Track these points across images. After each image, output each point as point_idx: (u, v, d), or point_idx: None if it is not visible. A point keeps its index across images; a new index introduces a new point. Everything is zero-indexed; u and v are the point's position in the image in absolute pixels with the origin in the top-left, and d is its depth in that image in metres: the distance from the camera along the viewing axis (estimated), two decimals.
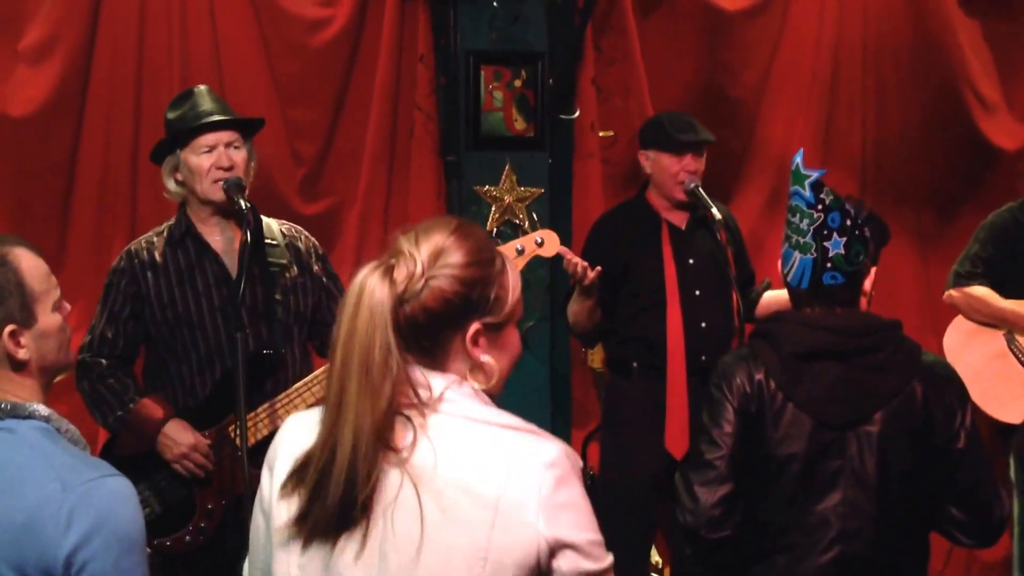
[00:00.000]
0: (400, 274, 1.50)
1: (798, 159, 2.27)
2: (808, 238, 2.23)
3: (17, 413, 1.65)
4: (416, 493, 1.46)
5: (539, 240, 2.97)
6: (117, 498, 1.59)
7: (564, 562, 1.47)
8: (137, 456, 2.86)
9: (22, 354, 1.68)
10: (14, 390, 1.68)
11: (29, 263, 1.70)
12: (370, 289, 1.48)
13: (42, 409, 1.67)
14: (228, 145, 2.91)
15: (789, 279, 2.28)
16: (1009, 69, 4.51)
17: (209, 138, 2.90)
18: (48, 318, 1.71)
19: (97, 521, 1.55)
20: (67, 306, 1.78)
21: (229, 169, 2.89)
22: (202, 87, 3.04)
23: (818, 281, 2.23)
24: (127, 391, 2.93)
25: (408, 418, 1.49)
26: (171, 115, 2.97)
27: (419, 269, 1.50)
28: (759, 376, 2.20)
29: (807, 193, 2.23)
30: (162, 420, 2.87)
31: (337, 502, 1.46)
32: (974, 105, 4.44)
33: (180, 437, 2.86)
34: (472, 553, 1.45)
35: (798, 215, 2.25)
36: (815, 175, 2.24)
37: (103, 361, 2.95)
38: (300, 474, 1.50)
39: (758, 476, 2.20)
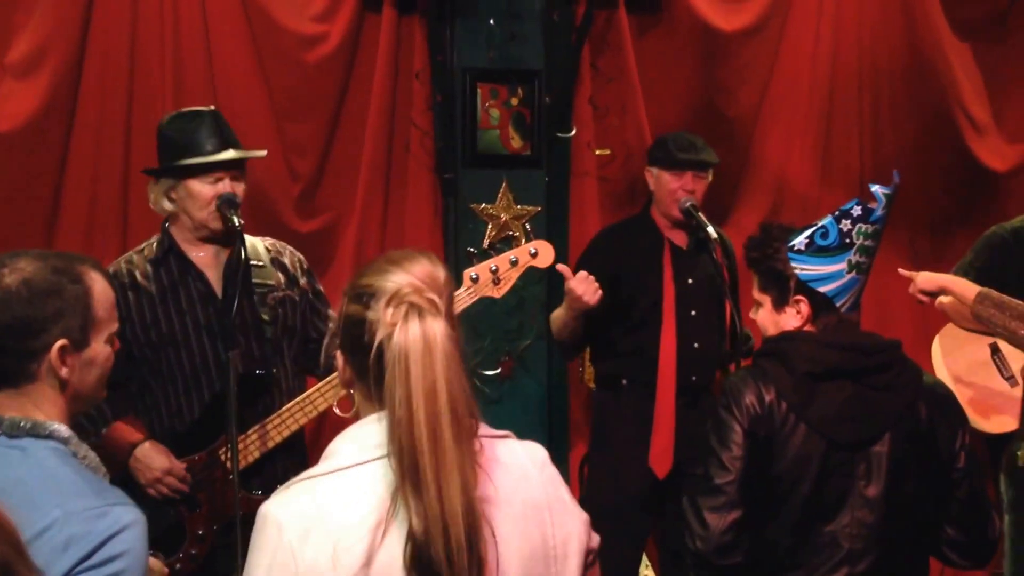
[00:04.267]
0: (441, 311, 1.47)
1: (897, 179, 2.24)
2: (871, 256, 2.24)
3: (36, 432, 1.61)
4: (489, 526, 1.45)
5: (533, 251, 2.92)
6: (120, 528, 1.53)
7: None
8: (122, 482, 2.78)
9: (64, 372, 1.64)
10: (44, 407, 1.64)
11: (100, 287, 1.68)
12: (439, 336, 1.44)
13: (62, 430, 1.63)
14: (233, 178, 2.87)
15: (847, 308, 2.24)
16: (999, 91, 4.56)
17: (218, 172, 2.85)
18: (100, 347, 1.69)
19: (94, 550, 1.49)
20: (117, 342, 1.76)
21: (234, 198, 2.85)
22: (209, 109, 2.96)
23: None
24: (102, 416, 2.86)
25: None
26: (174, 135, 2.88)
27: (441, 301, 1.49)
28: (769, 396, 2.18)
29: (883, 212, 2.22)
30: (133, 444, 2.81)
31: (466, 570, 1.42)
32: (965, 127, 4.48)
33: (153, 461, 2.80)
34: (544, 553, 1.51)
35: (877, 237, 2.24)
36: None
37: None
38: (422, 563, 1.41)
39: (767, 497, 2.18)
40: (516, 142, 4.06)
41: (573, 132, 4.14)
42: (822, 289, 2.22)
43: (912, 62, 4.45)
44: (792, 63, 4.38)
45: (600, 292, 3.35)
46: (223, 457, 2.83)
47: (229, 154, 2.86)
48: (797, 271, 2.24)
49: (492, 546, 1.44)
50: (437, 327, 1.44)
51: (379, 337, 1.46)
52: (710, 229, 3.56)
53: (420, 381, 1.42)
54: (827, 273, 2.21)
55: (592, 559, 1.60)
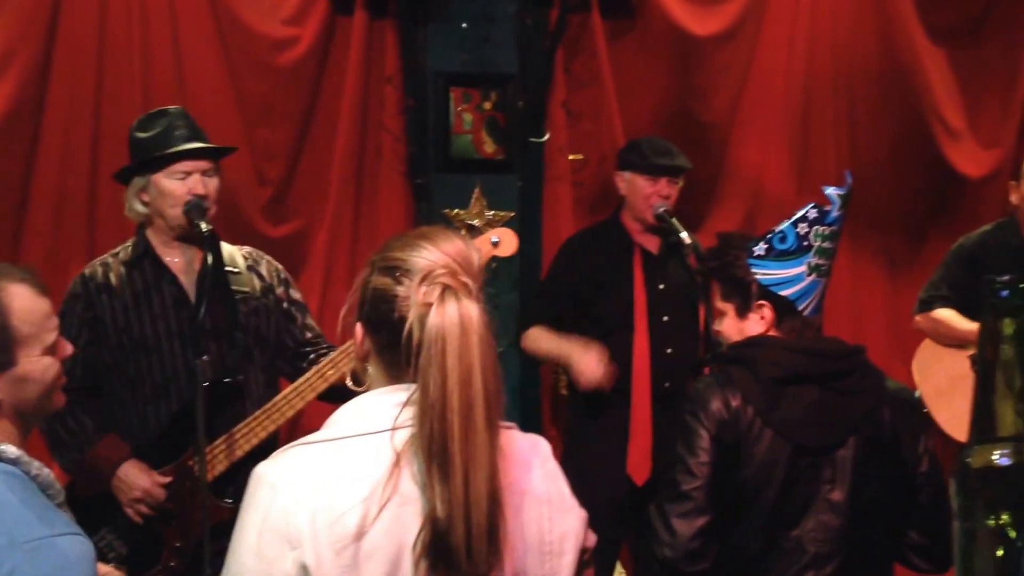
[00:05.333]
0: (474, 290, 1.45)
1: (849, 180, 2.24)
2: (830, 259, 2.23)
3: None
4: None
5: (495, 240, 2.83)
6: (66, 561, 1.48)
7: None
8: (99, 497, 2.76)
9: None
10: None
11: (22, 303, 1.62)
12: (476, 320, 1.41)
13: (10, 451, 1.57)
14: (204, 173, 2.84)
15: (809, 311, 2.24)
16: (974, 98, 4.57)
17: (187, 165, 2.82)
18: (30, 362, 1.63)
19: None
20: (67, 347, 1.71)
21: (203, 198, 2.81)
22: (176, 108, 2.95)
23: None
24: (84, 431, 2.82)
25: None
26: (142, 135, 2.87)
27: (475, 284, 1.46)
28: (736, 402, 2.18)
29: (839, 213, 2.22)
30: (117, 463, 2.77)
31: (484, 559, 1.40)
32: (940, 132, 4.50)
33: (135, 481, 2.77)
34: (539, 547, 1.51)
35: (835, 239, 2.23)
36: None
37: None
38: (440, 549, 1.39)
39: (733, 502, 2.18)
40: (489, 147, 4.04)
41: (547, 137, 4.13)
42: (784, 293, 2.23)
43: (887, 68, 4.46)
44: (767, 68, 4.38)
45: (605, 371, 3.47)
46: (194, 467, 2.80)
47: (192, 143, 2.83)
48: (758, 276, 2.24)
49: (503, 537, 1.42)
50: (474, 310, 1.42)
51: (412, 316, 1.42)
52: (684, 235, 3.55)
53: (456, 365, 1.39)
54: (787, 277, 2.22)
55: (588, 558, 1.58)
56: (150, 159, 2.83)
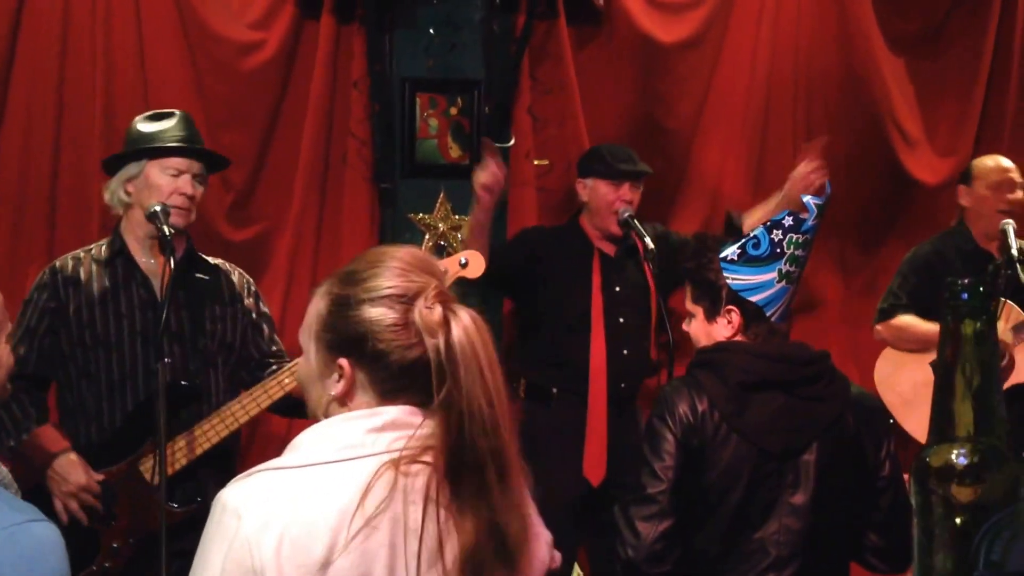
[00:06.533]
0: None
1: (829, 191, 2.27)
2: (801, 266, 2.25)
3: None
4: None
5: (463, 261, 2.88)
6: (42, 545, 1.47)
7: None
8: (34, 490, 2.72)
9: None
10: None
11: None
12: (479, 321, 1.43)
13: None
14: (195, 176, 2.88)
15: (777, 317, 2.25)
16: (932, 106, 4.64)
17: (182, 163, 2.86)
18: (3, 348, 1.65)
19: (16, 567, 1.44)
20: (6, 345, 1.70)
21: (191, 199, 2.85)
22: (183, 112, 3.00)
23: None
24: (27, 418, 2.80)
25: None
26: (145, 125, 2.91)
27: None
28: (703, 406, 2.20)
29: (815, 222, 2.23)
30: (54, 454, 2.76)
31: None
32: (897, 140, 4.56)
33: (70, 475, 2.75)
34: None
35: (808, 248, 2.25)
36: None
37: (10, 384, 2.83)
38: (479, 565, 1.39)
39: (697, 506, 2.20)
40: (455, 152, 4.05)
41: (512, 142, 4.13)
42: (753, 299, 2.24)
43: (846, 76, 4.52)
44: (730, 76, 4.42)
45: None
46: (143, 469, 2.79)
47: (192, 145, 2.88)
48: (729, 281, 2.25)
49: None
50: (471, 314, 1.43)
51: (435, 339, 1.41)
52: (647, 239, 3.58)
53: (490, 373, 1.40)
54: (758, 283, 2.23)
55: None
56: (149, 148, 2.85)
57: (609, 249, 3.75)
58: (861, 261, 4.65)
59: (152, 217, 2.78)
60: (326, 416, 1.48)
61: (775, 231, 2.22)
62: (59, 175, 3.77)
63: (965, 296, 1.11)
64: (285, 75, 4.02)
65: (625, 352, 3.67)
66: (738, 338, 2.27)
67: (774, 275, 2.23)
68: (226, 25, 3.93)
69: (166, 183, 2.83)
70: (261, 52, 3.96)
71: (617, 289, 3.71)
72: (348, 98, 4.03)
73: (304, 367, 1.54)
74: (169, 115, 2.96)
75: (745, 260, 2.23)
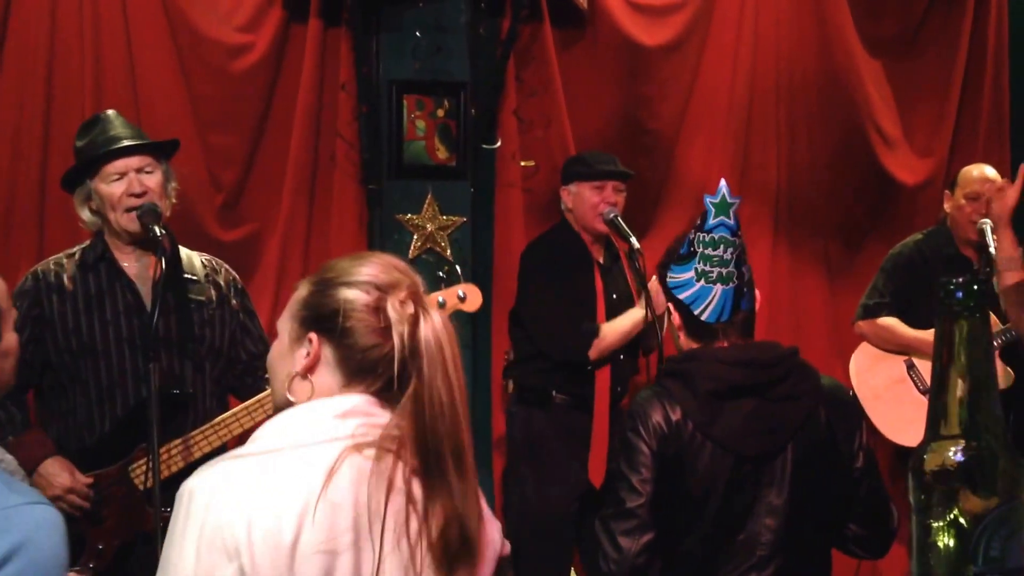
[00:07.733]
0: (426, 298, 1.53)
1: (724, 188, 2.24)
2: (732, 267, 2.23)
3: None
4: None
5: (462, 295, 2.90)
6: (43, 526, 1.47)
7: None
8: None
9: None
10: None
11: None
12: (451, 328, 1.50)
13: None
14: (139, 171, 2.79)
15: (706, 316, 2.24)
16: (910, 107, 4.71)
17: (118, 165, 2.78)
18: (11, 337, 1.64)
19: (16, 545, 1.43)
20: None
21: (142, 195, 2.77)
22: (110, 112, 2.92)
23: (737, 308, 2.24)
24: (12, 423, 2.78)
25: None
26: (80, 143, 2.85)
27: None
28: (676, 416, 2.19)
29: (732, 221, 2.24)
30: (39, 458, 2.74)
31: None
32: (877, 141, 4.63)
33: (56, 478, 2.73)
34: None
35: (722, 246, 2.23)
36: (737, 201, 2.25)
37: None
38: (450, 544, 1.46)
39: (677, 513, 2.20)
40: (442, 153, 4.07)
41: (498, 144, 4.17)
42: (680, 296, 2.27)
43: (827, 78, 4.58)
44: (712, 78, 4.47)
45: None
46: (132, 473, 2.78)
47: (121, 143, 2.79)
48: (668, 280, 2.29)
49: (420, 546, 1.45)
50: (440, 315, 1.51)
51: (400, 327, 1.48)
52: (633, 239, 3.62)
53: (454, 372, 1.47)
54: (682, 281, 2.26)
55: (506, 566, 1.61)
56: (83, 166, 2.80)
57: (598, 256, 3.79)
58: (844, 260, 4.70)
59: (143, 218, 2.74)
60: (289, 393, 1.54)
61: (692, 230, 2.26)
62: (47, 176, 3.75)
63: (959, 295, 1.12)
64: (273, 77, 4.03)
65: (621, 357, 3.72)
66: (681, 336, 2.29)
67: (691, 274, 2.25)
68: (214, 28, 3.94)
69: (114, 190, 2.78)
70: (249, 55, 3.97)
71: (614, 296, 3.76)
72: (336, 100, 4.05)
73: (275, 348, 1.60)
74: (95, 122, 2.88)
75: (676, 259, 2.28)
